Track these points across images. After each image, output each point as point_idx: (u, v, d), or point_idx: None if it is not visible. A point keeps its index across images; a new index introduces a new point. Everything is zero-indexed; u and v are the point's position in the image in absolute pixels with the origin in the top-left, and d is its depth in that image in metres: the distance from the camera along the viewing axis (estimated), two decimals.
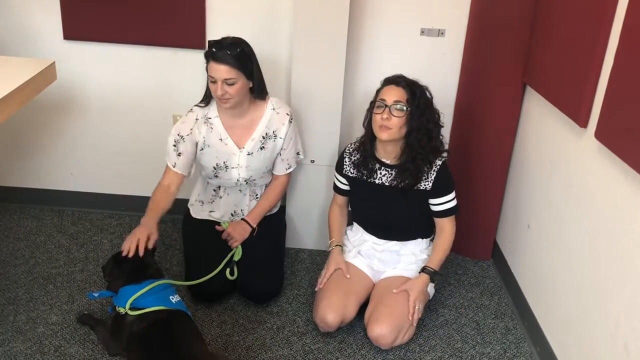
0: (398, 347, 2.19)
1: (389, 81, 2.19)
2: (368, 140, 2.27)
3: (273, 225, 2.57)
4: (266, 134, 2.39)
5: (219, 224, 2.47)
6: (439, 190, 2.24)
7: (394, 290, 2.21)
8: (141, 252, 2.03)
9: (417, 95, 2.14)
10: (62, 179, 2.98)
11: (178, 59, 2.71)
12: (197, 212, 2.56)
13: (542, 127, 2.33)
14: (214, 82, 2.18)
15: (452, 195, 2.27)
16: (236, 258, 2.37)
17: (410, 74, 2.21)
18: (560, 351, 2.05)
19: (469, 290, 2.59)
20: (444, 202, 2.26)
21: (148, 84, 2.77)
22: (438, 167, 2.22)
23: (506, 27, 2.42)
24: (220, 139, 2.36)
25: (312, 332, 2.26)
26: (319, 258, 2.72)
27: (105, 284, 2.13)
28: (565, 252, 2.05)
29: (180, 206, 2.66)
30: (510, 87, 2.50)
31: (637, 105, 1.56)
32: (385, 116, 2.13)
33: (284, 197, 2.68)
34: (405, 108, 2.13)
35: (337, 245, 2.39)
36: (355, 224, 2.46)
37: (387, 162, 2.26)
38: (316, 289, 2.31)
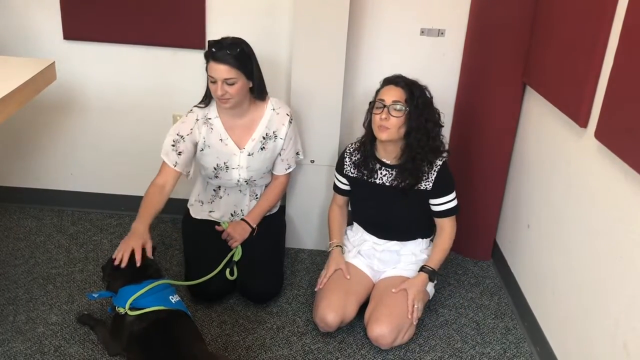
0: (398, 347, 2.19)
1: (388, 81, 2.20)
2: (368, 141, 2.27)
3: (273, 225, 2.57)
4: (266, 135, 2.39)
5: (218, 224, 2.47)
6: (439, 190, 2.24)
7: (393, 290, 2.21)
8: (138, 263, 1.99)
9: (415, 95, 2.14)
10: (62, 179, 2.98)
11: (178, 59, 2.71)
12: (197, 212, 2.56)
13: (542, 127, 2.33)
14: (214, 82, 2.18)
15: (453, 195, 2.27)
16: (236, 258, 2.37)
17: (410, 74, 2.21)
18: (560, 351, 2.05)
19: (469, 290, 2.59)
20: (445, 202, 2.26)
21: (148, 84, 2.77)
22: (438, 167, 2.22)
23: (506, 27, 2.42)
24: (221, 140, 2.36)
25: (312, 332, 2.26)
26: (319, 258, 2.72)
27: (105, 284, 2.13)
28: (565, 252, 2.05)
29: (180, 206, 2.67)
30: (510, 87, 2.50)
31: (637, 105, 1.56)
32: (384, 116, 2.13)
33: (283, 197, 2.68)
34: (403, 108, 2.13)
35: (337, 245, 2.39)
36: (355, 224, 2.46)
37: (388, 162, 2.26)
38: (316, 289, 2.31)
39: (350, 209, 2.49)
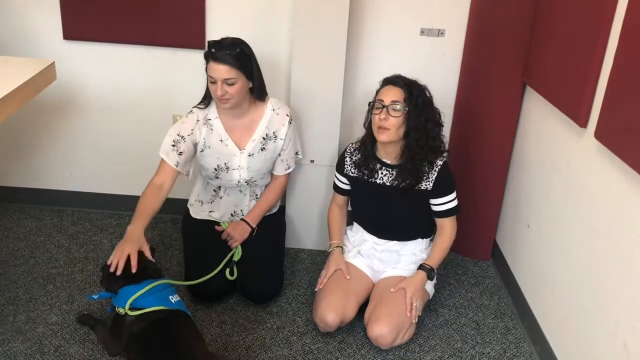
0: (398, 347, 2.19)
1: (387, 81, 2.20)
2: (369, 140, 2.27)
3: (273, 225, 2.58)
4: (266, 135, 2.39)
5: (218, 224, 2.47)
6: (440, 190, 2.24)
7: (392, 289, 2.21)
8: (134, 269, 1.97)
9: (414, 95, 2.14)
10: (61, 179, 2.98)
11: (178, 59, 2.71)
12: (197, 212, 2.56)
13: (542, 127, 2.33)
14: (214, 82, 2.18)
15: (453, 195, 2.27)
16: (236, 258, 2.37)
17: (410, 74, 2.21)
18: (560, 351, 2.05)
19: (469, 290, 2.59)
20: (445, 202, 2.26)
21: (148, 84, 2.77)
22: (439, 167, 2.22)
23: (506, 27, 2.42)
24: (221, 140, 2.36)
25: (312, 332, 2.26)
26: (319, 258, 2.72)
27: (103, 287, 2.11)
28: (565, 252, 2.05)
29: (179, 206, 2.67)
30: (510, 87, 2.50)
31: (637, 105, 1.56)
32: (382, 117, 2.13)
33: (283, 197, 2.68)
34: (402, 108, 2.13)
35: (337, 246, 2.39)
36: (355, 224, 2.46)
37: (388, 162, 2.26)
38: (316, 289, 2.31)
39: (350, 208, 2.49)
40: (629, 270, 1.64)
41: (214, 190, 2.52)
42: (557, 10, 2.16)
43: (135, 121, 2.83)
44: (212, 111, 2.36)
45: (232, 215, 2.54)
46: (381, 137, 2.16)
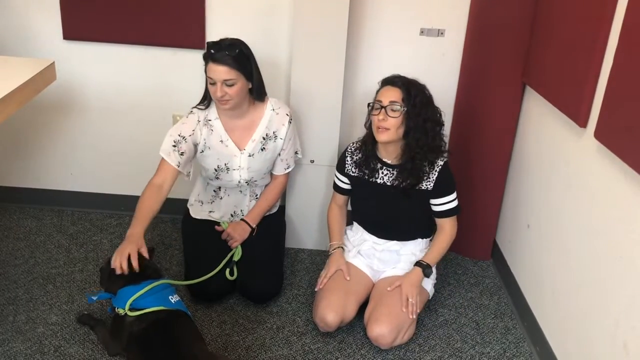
0: (398, 347, 2.20)
1: (386, 82, 2.20)
2: (369, 140, 2.27)
3: (273, 225, 2.58)
4: (266, 135, 2.39)
5: (218, 224, 2.47)
6: (440, 190, 2.24)
7: (388, 288, 2.21)
8: (135, 269, 1.97)
9: (412, 94, 2.13)
10: (61, 179, 2.98)
11: (178, 59, 2.71)
12: (197, 212, 2.56)
13: (541, 127, 2.33)
14: (213, 83, 2.18)
15: (454, 195, 2.27)
16: (236, 258, 2.37)
17: (410, 74, 2.21)
18: (560, 351, 2.05)
19: (469, 290, 2.59)
20: (446, 202, 2.26)
21: (148, 84, 2.77)
22: (440, 167, 2.22)
23: (506, 27, 2.42)
24: (221, 141, 2.36)
25: (311, 332, 2.26)
26: (319, 258, 2.72)
27: (103, 288, 2.11)
28: (564, 252, 2.05)
29: (179, 206, 2.67)
30: (510, 87, 2.50)
31: (637, 104, 1.56)
32: (381, 117, 2.13)
33: (283, 197, 2.68)
34: (400, 108, 2.13)
35: (338, 247, 2.39)
36: (355, 224, 2.45)
37: (389, 161, 2.26)
38: (316, 289, 2.31)
39: (350, 208, 2.49)
40: (629, 270, 1.64)
41: (214, 191, 2.52)
42: (557, 10, 2.16)
43: (135, 121, 2.83)
44: (212, 112, 2.36)
45: (232, 215, 2.54)
46: (381, 137, 2.16)
